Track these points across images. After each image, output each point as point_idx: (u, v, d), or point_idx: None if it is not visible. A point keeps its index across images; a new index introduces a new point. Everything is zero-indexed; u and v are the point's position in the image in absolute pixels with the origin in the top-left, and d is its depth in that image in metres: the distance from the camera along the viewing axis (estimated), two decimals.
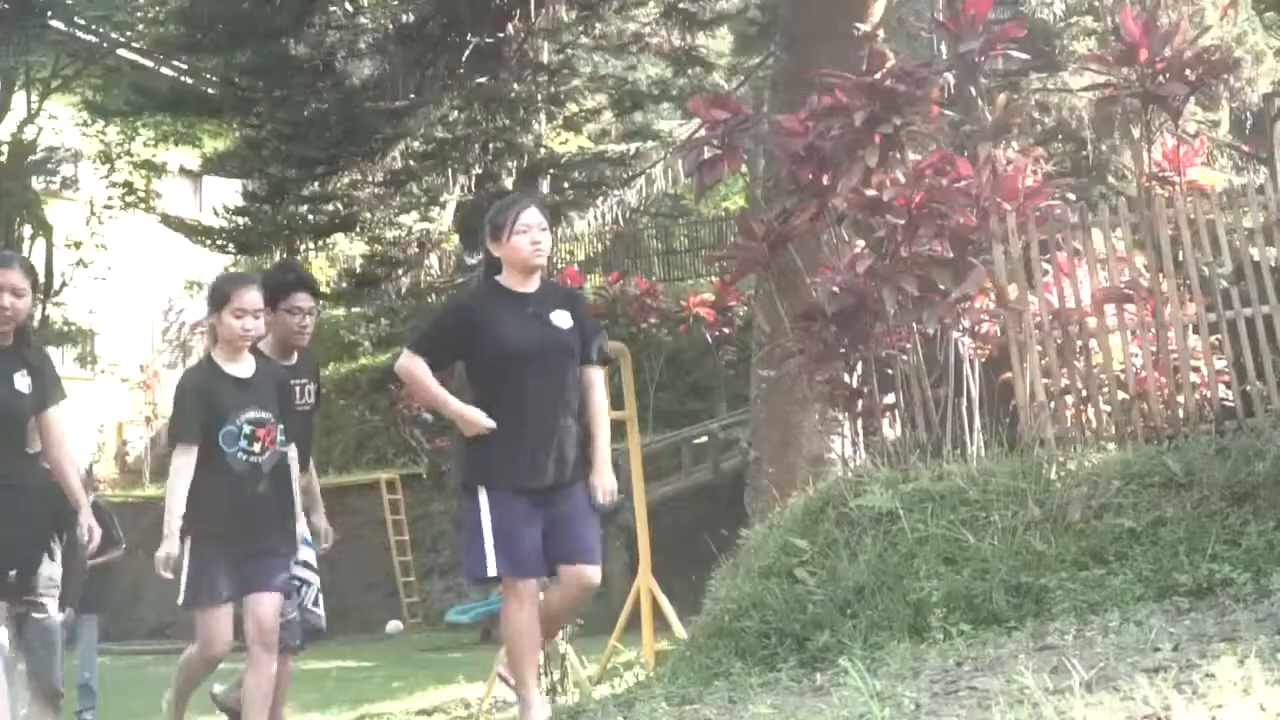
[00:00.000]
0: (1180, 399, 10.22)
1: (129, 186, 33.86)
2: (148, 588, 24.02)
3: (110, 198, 33.90)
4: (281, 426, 8.18)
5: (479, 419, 7.69)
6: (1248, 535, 8.44)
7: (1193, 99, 12.03)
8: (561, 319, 7.93)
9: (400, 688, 18.46)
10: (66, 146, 33.62)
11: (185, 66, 30.41)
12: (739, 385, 23.97)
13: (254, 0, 24.46)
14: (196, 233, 27.53)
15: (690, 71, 28.44)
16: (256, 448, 8.03)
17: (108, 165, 33.63)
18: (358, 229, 26.57)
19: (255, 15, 24.32)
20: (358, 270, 27.72)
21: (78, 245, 33.02)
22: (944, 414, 10.30)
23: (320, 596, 9.10)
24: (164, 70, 31.51)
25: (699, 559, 11.31)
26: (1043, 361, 10.34)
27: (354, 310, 32.38)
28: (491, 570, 7.66)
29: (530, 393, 7.75)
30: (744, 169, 16.81)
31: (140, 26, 33.20)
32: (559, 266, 30.79)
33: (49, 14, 31.78)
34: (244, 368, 8.18)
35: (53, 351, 35.34)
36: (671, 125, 31.24)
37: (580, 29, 26.80)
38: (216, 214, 27.27)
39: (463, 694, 15.83)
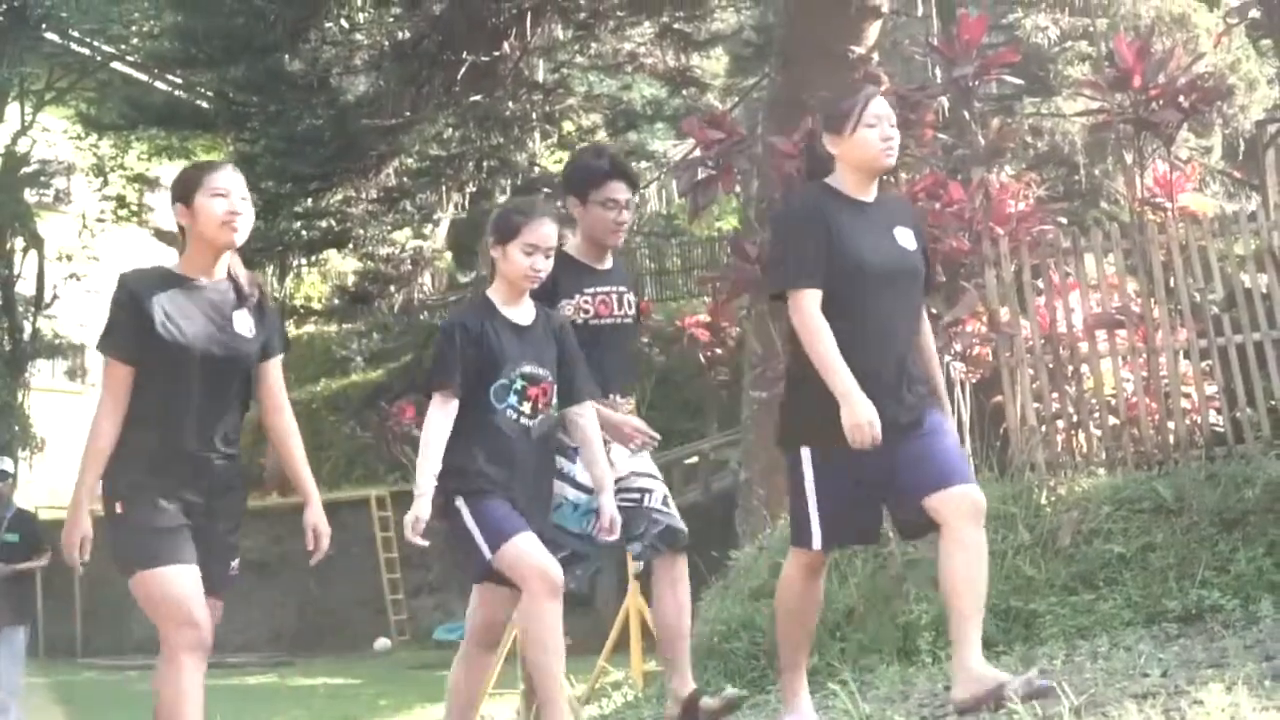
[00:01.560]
0: (1171, 425, 10.24)
1: (121, 200, 33.88)
2: (136, 603, 24.00)
3: (103, 211, 33.91)
4: (557, 387, 6.82)
5: (868, 424, 6.06)
6: (1237, 562, 8.46)
7: (1186, 125, 12.07)
8: (906, 237, 6.55)
9: (388, 705, 18.47)
10: (59, 159, 33.64)
11: (179, 81, 30.43)
12: (731, 406, 23.98)
13: (249, 15, 24.45)
14: None
15: (685, 92, 28.48)
16: (527, 408, 6.70)
17: (100, 178, 33.65)
18: (351, 245, 26.58)
19: (250, 30, 24.33)
20: (350, 287, 27.74)
21: (69, 258, 33.02)
22: None
23: (668, 498, 7.57)
24: (158, 84, 31.54)
25: (689, 579, 11.32)
26: (1034, 386, 10.36)
27: (346, 326, 32.34)
28: (816, 543, 6.36)
29: (881, 320, 6.37)
30: (738, 190, 16.80)
31: (134, 40, 33.25)
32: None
33: (44, 27, 31.81)
34: (524, 312, 6.86)
35: (43, 364, 35.48)
36: (666, 145, 31.25)
37: (575, 48, 26.83)
38: None
39: None
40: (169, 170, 33.85)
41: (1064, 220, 11.93)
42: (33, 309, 33.24)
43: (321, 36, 25.03)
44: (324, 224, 25.81)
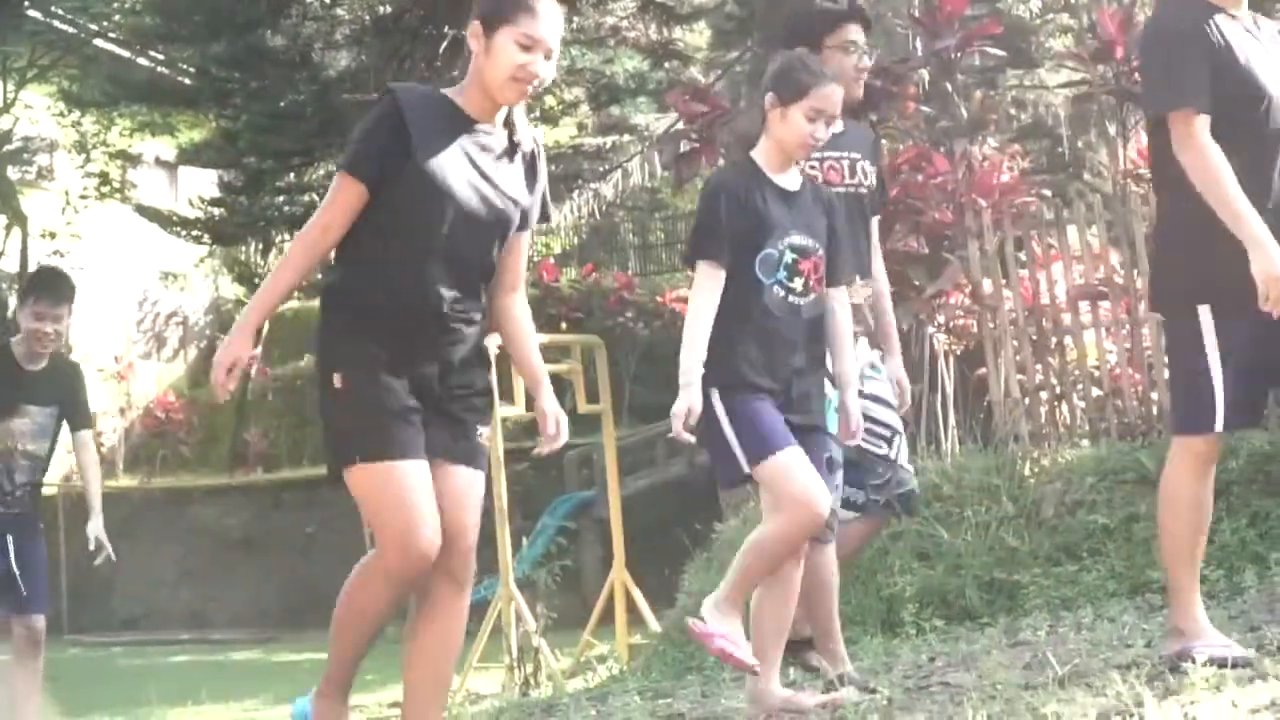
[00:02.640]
0: (1154, 396, 10.24)
1: (105, 177, 33.72)
2: (121, 580, 23.98)
3: (86, 188, 33.77)
4: (827, 261, 5.94)
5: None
6: (1221, 533, 8.45)
7: None
8: None
9: (374, 680, 18.38)
10: (42, 136, 33.49)
11: (162, 57, 30.32)
12: None
13: None
14: (172, 224, 27.52)
15: (668, 65, 28.42)
16: (798, 284, 5.81)
17: (83, 155, 33.50)
18: None
19: (232, 6, 24.28)
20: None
21: (53, 236, 32.87)
22: (919, 409, 10.32)
23: (904, 448, 6.83)
24: (140, 61, 31.40)
25: (673, 553, 11.32)
26: (1017, 358, 10.37)
27: None
28: (1220, 425, 5.60)
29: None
30: (721, 163, 16.78)
31: (117, 17, 33.06)
32: (534, 260, 30.75)
33: (26, 4, 31.67)
34: (791, 179, 6.01)
35: None
36: (649, 119, 31.20)
37: None
38: (192, 205, 27.25)
39: None
40: (151, 147, 33.80)
41: (1047, 192, 11.95)
42: (16, 286, 33.13)
43: (303, 12, 24.99)
44: (307, 199, 25.75)
